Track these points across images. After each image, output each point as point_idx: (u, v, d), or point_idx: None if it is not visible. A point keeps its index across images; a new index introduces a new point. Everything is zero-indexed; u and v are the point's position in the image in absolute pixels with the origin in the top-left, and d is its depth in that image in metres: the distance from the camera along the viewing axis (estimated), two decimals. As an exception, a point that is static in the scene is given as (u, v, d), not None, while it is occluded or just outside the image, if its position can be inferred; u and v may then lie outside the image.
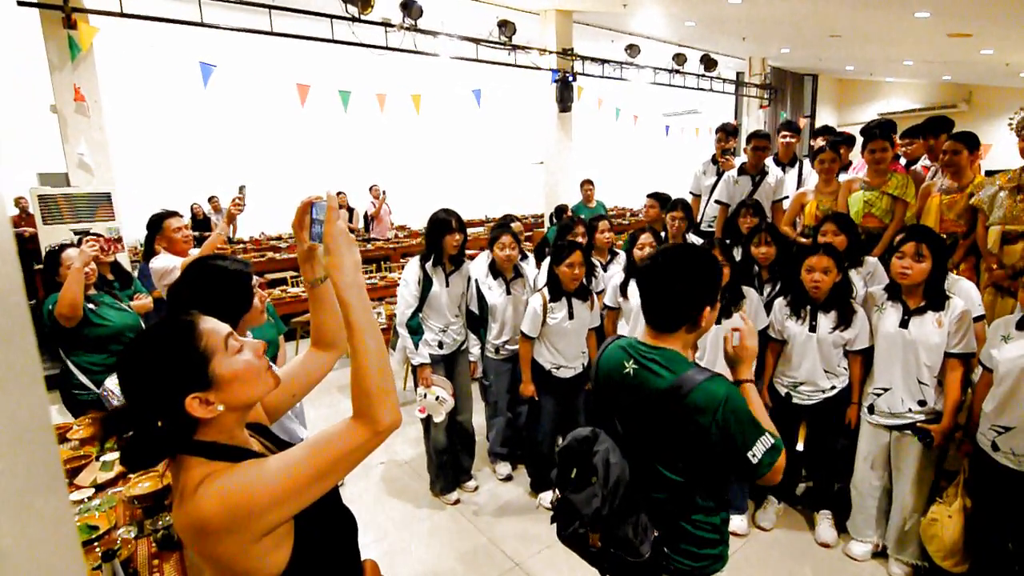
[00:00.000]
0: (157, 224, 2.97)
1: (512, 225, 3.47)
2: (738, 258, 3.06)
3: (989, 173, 3.17)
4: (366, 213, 9.72)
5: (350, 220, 9.34)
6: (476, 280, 3.24)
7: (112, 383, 2.38)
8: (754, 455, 1.26)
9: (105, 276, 3.09)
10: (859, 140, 3.72)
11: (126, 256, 5.07)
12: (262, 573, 0.92)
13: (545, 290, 2.94)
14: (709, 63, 9.87)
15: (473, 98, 8.19)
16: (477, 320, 3.25)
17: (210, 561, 0.91)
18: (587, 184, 6.90)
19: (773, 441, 1.29)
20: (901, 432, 2.43)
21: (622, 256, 3.56)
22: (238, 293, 1.51)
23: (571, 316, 2.93)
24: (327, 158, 10.54)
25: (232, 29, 5.64)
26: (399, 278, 3.36)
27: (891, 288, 2.48)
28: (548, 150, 8.48)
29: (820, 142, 3.97)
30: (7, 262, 0.59)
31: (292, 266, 7.54)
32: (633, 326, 2.90)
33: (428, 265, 2.99)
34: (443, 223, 2.94)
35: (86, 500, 1.92)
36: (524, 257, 3.65)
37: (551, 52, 7.88)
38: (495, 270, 3.24)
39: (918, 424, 2.37)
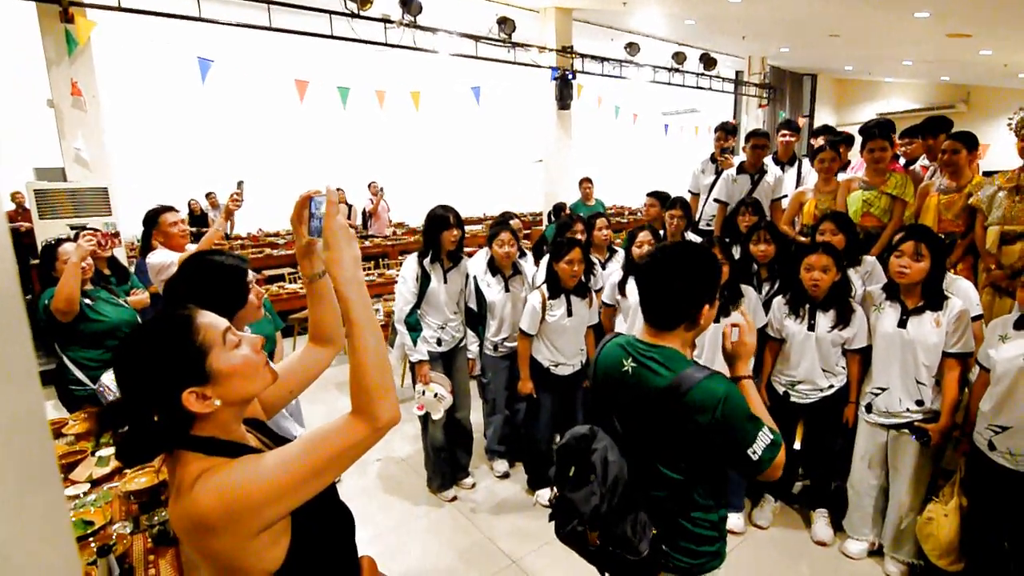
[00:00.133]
0: (153, 219, 2.95)
1: (511, 222, 3.46)
2: (737, 256, 3.06)
3: (987, 174, 3.17)
4: (364, 210, 9.70)
5: (348, 217, 9.31)
6: (475, 277, 3.24)
7: (108, 378, 2.36)
8: (754, 452, 1.26)
9: (102, 271, 3.08)
10: (858, 139, 3.73)
11: (123, 251, 5.04)
12: (259, 569, 0.91)
13: (544, 287, 2.94)
14: (708, 62, 9.87)
15: (472, 95, 8.17)
16: (476, 317, 3.24)
17: (206, 557, 0.90)
18: (586, 182, 6.89)
19: (772, 437, 1.29)
20: (898, 431, 2.44)
21: (621, 254, 3.56)
22: (233, 288, 1.51)
23: (570, 313, 2.93)
24: (326, 155, 10.50)
25: (230, 24, 5.62)
26: (397, 275, 3.36)
27: (889, 288, 2.48)
28: (547, 148, 8.46)
29: (820, 141, 3.97)
30: (3, 257, 0.58)
31: (290, 262, 7.52)
32: (631, 324, 2.90)
33: (426, 262, 2.98)
34: (441, 219, 2.93)
35: (82, 495, 1.92)
36: (523, 254, 3.64)
37: (550, 50, 7.86)
38: (494, 267, 3.24)
39: (916, 423, 2.38)
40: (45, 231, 4.71)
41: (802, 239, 3.40)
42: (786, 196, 4.02)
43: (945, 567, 2.25)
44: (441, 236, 2.93)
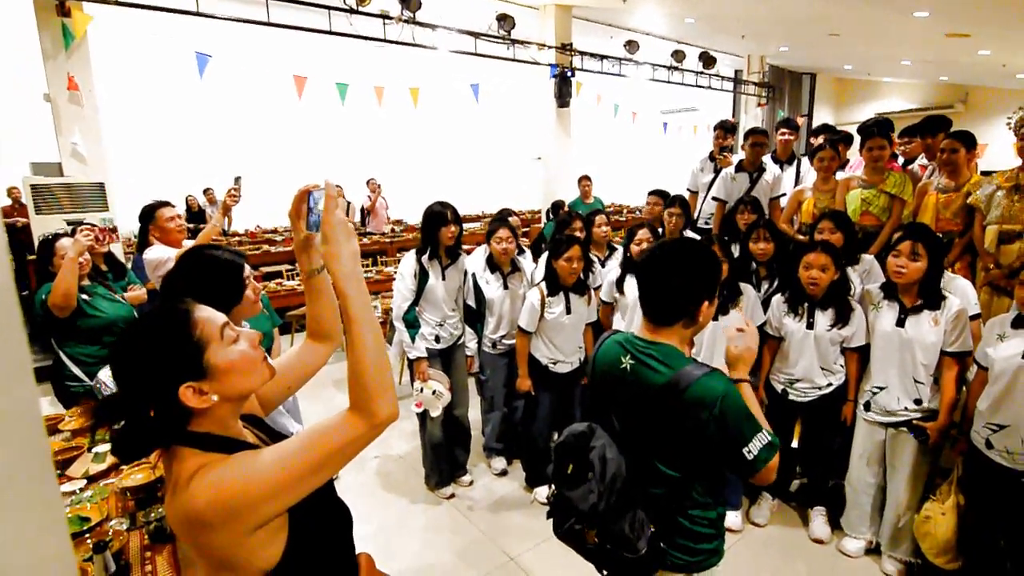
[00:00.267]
0: (150, 214, 2.93)
1: (509, 219, 3.45)
2: (736, 255, 3.06)
3: (985, 173, 3.18)
4: (362, 207, 9.67)
5: (347, 213, 9.29)
6: (473, 274, 3.23)
7: (105, 374, 2.36)
8: (750, 451, 1.26)
9: (99, 267, 3.06)
10: (857, 138, 3.73)
11: (120, 247, 5.02)
12: (256, 566, 0.90)
13: (543, 284, 2.93)
14: (708, 60, 9.86)
15: (471, 92, 8.15)
16: (474, 314, 3.24)
17: (203, 554, 0.90)
18: (584, 180, 6.89)
19: (769, 438, 1.29)
20: (896, 429, 2.44)
21: (620, 251, 3.55)
22: (230, 283, 1.50)
23: (568, 311, 2.92)
24: (323, 151, 10.46)
25: (228, 19, 5.59)
26: (395, 272, 3.35)
27: (887, 287, 2.48)
28: (546, 146, 8.45)
29: (819, 140, 3.97)
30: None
31: (288, 259, 7.49)
32: (629, 321, 2.89)
33: (424, 258, 2.97)
34: (438, 215, 2.92)
35: (78, 492, 1.91)
36: (521, 252, 3.64)
37: (550, 47, 7.85)
38: (492, 264, 3.23)
39: (914, 422, 2.38)
40: (42, 226, 4.69)
41: (801, 237, 3.40)
42: (785, 195, 4.02)
43: (942, 565, 2.25)
44: (439, 232, 2.92)
